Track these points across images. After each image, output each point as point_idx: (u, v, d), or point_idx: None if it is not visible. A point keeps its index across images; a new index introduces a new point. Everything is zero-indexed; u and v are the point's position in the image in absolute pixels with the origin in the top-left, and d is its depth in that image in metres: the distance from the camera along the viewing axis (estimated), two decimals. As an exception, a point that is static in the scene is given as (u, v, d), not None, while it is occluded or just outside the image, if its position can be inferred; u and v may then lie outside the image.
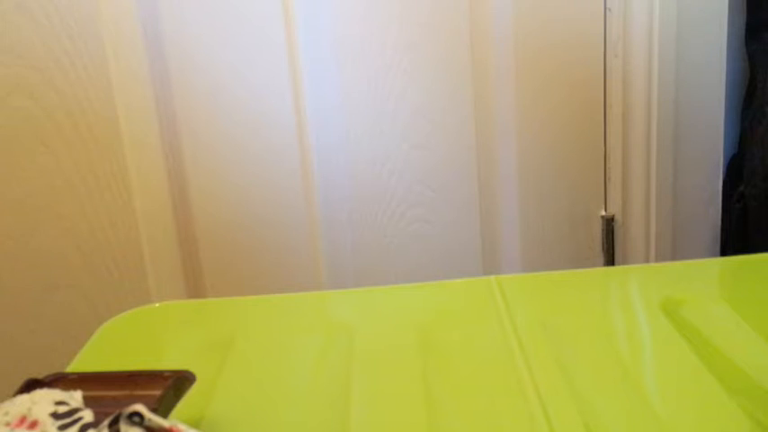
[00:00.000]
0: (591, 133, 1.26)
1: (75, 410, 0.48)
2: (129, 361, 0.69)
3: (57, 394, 0.49)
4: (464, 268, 1.28)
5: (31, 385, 0.53)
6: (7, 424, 0.46)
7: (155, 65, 1.12)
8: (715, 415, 0.56)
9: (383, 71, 1.18)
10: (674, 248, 1.28)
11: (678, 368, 0.62)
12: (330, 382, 0.63)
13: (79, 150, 1.13)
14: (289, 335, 0.72)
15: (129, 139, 1.14)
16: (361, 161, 1.21)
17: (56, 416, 0.47)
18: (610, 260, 1.30)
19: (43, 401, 0.48)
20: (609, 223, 1.28)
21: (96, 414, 0.47)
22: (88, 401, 0.50)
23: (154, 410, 0.44)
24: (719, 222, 1.28)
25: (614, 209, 1.28)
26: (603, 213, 1.29)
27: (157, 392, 0.53)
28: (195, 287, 1.21)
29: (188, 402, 0.56)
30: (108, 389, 0.55)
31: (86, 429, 0.46)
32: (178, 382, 0.55)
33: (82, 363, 0.69)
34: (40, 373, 0.56)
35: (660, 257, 1.27)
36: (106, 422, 0.44)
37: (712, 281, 0.80)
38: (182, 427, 0.44)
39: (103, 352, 0.71)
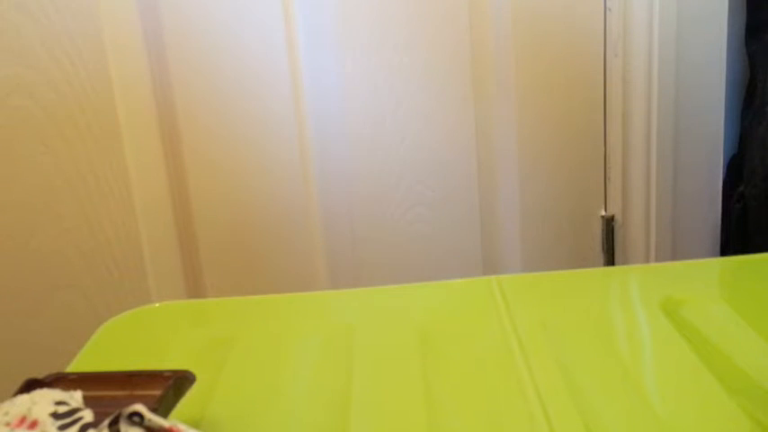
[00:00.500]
0: (591, 133, 1.26)
1: (75, 410, 0.48)
2: (129, 361, 0.69)
3: (57, 394, 0.49)
4: (464, 268, 1.28)
5: (31, 385, 0.53)
6: (7, 424, 0.46)
7: (155, 65, 1.12)
8: (715, 415, 0.56)
9: (383, 71, 1.19)
10: (674, 248, 1.28)
11: (678, 368, 0.62)
12: (330, 382, 0.63)
13: (79, 150, 1.13)
14: (289, 335, 0.72)
15: (129, 138, 1.14)
16: (361, 161, 1.21)
17: (56, 416, 0.47)
18: (610, 260, 1.30)
19: (43, 401, 0.48)
20: (609, 223, 1.28)
21: (96, 414, 0.47)
22: (88, 401, 0.50)
23: (154, 410, 0.44)
24: (719, 222, 1.28)
25: (614, 209, 1.28)
26: (603, 213, 1.29)
27: (157, 392, 0.54)
28: (195, 287, 1.21)
29: (188, 402, 0.56)
30: (108, 389, 0.55)
31: (86, 429, 0.46)
32: (178, 382, 0.55)
33: (82, 363, 0.69)
34: (40, 373, 0.56)
35: (660, 257, 1.27)
36: (106, 422, 0.44)
37: (712, 281, 0.80)
38: (182, 427, 0.44)
39: (103, 352, 0.71)
